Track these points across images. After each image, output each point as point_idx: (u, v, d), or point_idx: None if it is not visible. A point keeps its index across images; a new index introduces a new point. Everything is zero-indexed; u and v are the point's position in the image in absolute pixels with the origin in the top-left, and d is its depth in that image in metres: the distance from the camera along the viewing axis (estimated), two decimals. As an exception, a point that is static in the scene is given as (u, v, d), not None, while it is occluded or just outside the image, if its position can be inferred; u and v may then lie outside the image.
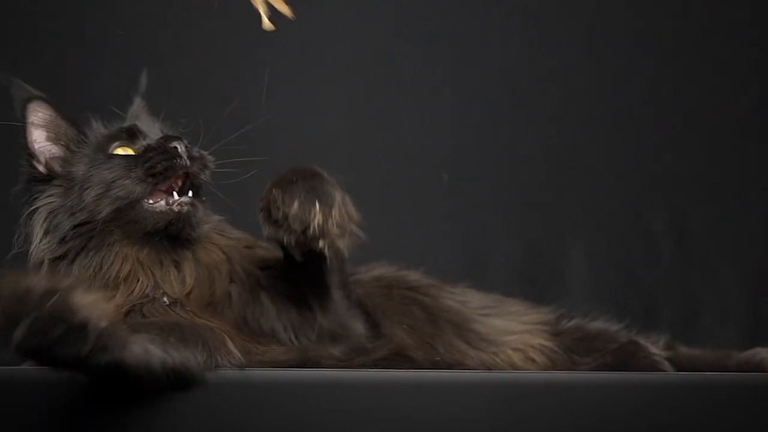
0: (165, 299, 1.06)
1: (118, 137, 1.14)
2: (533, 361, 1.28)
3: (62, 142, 1.14)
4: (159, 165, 1.08)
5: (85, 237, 1.08)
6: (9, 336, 0.83)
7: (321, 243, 1.04)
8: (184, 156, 1.09)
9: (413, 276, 1.32)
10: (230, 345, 1.00)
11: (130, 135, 1.14)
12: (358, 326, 1.15)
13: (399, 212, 1.79)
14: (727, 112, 1.90)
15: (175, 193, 1.10)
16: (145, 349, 0.87)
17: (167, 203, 1.09)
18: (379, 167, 1.79)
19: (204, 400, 0.93)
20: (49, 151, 1.14)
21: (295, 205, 1.03)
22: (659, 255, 1.87)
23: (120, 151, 1.13)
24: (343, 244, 1.06)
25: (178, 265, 1.09)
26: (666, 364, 1.25)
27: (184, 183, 1.11)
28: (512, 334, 1.29)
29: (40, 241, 1.09)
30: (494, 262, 1.82)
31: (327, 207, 1.04)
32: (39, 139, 1.14)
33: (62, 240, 1.08)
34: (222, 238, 1.15)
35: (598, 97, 1.88)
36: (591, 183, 1.87)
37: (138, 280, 1.06)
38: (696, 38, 1.91)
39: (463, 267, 1.78)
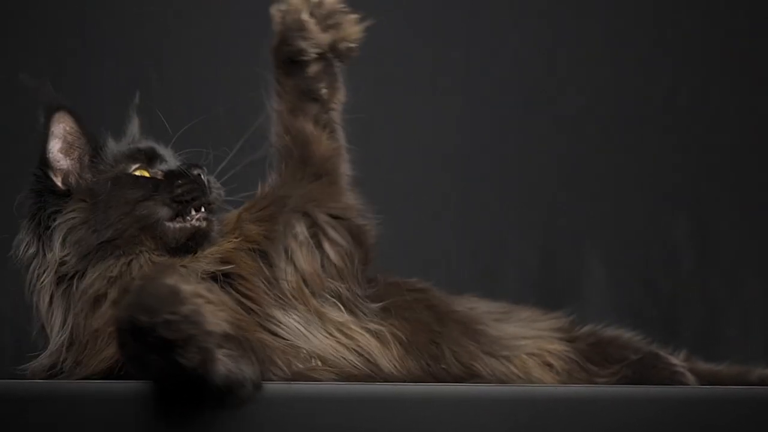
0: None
1: (137, 159, 1.17)
2: (551, 366, 1.26)
3: (76, 156, 1.16)
4: (187, 194, 1.13)
5: (109, 251, 1.10)
6: (132, 327, 0.88)
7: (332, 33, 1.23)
8: (207, 186, 1.15)
9: (422, 283, 1.31)
10: (276, 358, 1.04)
11: (149, 158, 1.17)
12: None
13: (409, 220, 1.77)
14: (748, 116, 1.88)
15: (192, 210, 1.14)
16: (227, 367, 0.90)
17: (184, 219, 1.13)
18: (390, 174, 1.77)
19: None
20: (66, 163, 1.15)
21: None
22: (679, 264, 1.85)
23: (138, 173, 1.15)
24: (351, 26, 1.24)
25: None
26: (688, 375, 1.23)
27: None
28: (525, 338, 1.27)
29: (58, 253, 1.10)
30: (508, 271, 1.81)
31: None
32: (56, 150, 1.15)
33: (84, 255, 1.10)
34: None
35: (615, 101, 1.87)
36: (609, 189, 1.86)
37: None
38: (718, 39, 1.89)
39: (476, 276, 1.77)
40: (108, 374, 1.02)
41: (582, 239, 1.83)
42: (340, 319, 1.13)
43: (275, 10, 1.24)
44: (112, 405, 0.93)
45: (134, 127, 1.25)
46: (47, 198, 1.13)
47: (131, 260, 1.09)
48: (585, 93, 1.86)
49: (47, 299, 1.10)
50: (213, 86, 1.71)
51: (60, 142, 1.14)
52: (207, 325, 0.88)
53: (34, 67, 1.68)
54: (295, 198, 1.17)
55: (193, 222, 1.13)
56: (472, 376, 1.18)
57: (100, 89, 1.67)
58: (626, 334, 1.33)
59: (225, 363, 0.89)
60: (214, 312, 0.90)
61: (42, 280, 1.11)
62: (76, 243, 1.10)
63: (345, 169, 1.26)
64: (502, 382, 1.20)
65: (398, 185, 1.78)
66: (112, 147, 1.18)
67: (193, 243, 1.12)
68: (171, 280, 0.89)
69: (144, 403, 0.93)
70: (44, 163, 1.14)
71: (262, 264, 1.12)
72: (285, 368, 1.05)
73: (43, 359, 1.09)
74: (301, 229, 1.16)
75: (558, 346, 1.27)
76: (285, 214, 1.16)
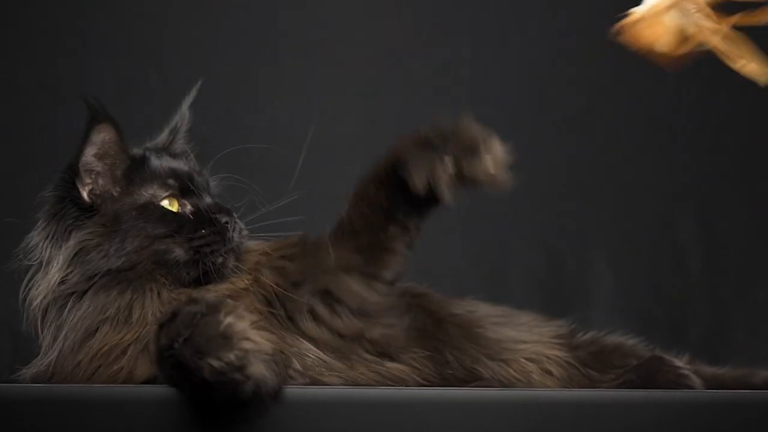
0: None
1: (169, 186, 1.14)
2: (550, 373, 1.24)
3: (108, 167, 1.13)
4: (206, 247, 1.11)
5: (116, 280, 1.08)
6: (175, 359, 0.89)
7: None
8: (231, 235, 1.13)
9: (421, 287, 1.30)
10: (295, 364, 1.05)
11: (183, 188, 1.15)
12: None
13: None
14: (755, 117, 1.87)
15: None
16: (253, 387, 0.90)
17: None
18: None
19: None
20: (97, 169, 1.13)
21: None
22: (686, 266, 1.84)
23: (166, 202, 1.13)
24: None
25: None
26: (693, 378, 1.21)
27: None
28: (525, 343, 1.26)
29: (62, 271, 1.09)
30: (513, 274, 1.80)
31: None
32: (90, 155, 1.12)
33: (89, 278, 1.08)
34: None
35: (621, 102, 1.86)
36: (615, 191, 1.85)
37: None
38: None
39: (481, 278, 1.77)
40: None
41: (588, 241, 1.83)
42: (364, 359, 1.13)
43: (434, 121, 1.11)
44: (113, 407, 0.93)
45: (183, 121, 1.24)
46: (68, 208, 1.11)
47: (135, 298, 1.08)
48: (589, 94, 1.85)
49: (42, 311, 1.10)
50: (213, 86, 1.69)
51: (95, 149, 1.12)
52: (249, 369, 0.88)
53: (34, 67, 1.70)
54: (331, 265, 1.12)
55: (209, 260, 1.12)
56: (475, 380, 1.18)
57: (101, 89, 1.63)
58: (629, 342, 1.32)
59: (252, 383, 0.89)
60: (257, 355, 0.89)
61: (40, 291, 1.10)
62: (84, 263, 1.09)
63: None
64: (503, 385, 1.19)
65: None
66: (150, 161, 1.15)
67: (205, 278, 1.11)
68: (225, 318, 0.89)
69: (147, 406, 0.93)
70: (74, 171, 1.12)
71: (270, 309, 1.11)
72: (303, 371, 1.05)
73: (33, 369, 1.09)
74: (321, 302, 1.13)
75: (558, 352, 1.26)
76: (314, 277, 1.12)
